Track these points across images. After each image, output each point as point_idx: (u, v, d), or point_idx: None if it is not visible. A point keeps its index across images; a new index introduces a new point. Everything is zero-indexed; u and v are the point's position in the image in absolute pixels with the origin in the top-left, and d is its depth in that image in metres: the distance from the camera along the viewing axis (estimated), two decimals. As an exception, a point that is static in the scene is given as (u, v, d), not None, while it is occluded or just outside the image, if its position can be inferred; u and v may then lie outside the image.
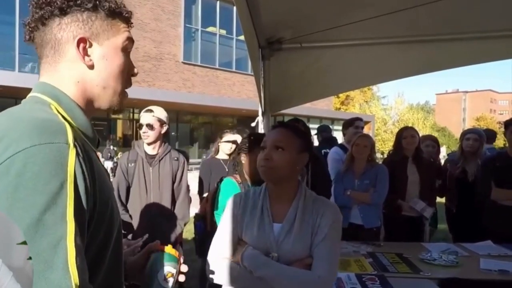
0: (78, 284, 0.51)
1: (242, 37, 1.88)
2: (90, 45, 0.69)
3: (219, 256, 1.18)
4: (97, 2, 0.69)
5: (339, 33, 2.14)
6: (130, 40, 0.74)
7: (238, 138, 2.84)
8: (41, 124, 0.57)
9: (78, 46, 0.67)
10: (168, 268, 0.82)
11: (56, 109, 0.65)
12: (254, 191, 1.25)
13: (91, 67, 0.69)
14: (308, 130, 2.36)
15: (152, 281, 0.80)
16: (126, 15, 0.73)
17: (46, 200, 0.52)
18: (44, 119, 0.59)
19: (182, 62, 15.70)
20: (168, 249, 0.84)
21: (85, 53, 0.68)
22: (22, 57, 12.16)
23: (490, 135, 4.16)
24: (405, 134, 2.83)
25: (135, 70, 0.76)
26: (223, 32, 17.24)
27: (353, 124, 3.43)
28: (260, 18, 1.95)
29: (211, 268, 1.16)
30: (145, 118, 2.21)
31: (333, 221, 1.15)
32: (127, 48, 0.73)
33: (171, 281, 0.81)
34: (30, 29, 0.68)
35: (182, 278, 0.86)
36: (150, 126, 2.19)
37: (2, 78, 10.51)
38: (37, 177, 0.52)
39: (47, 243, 0.51)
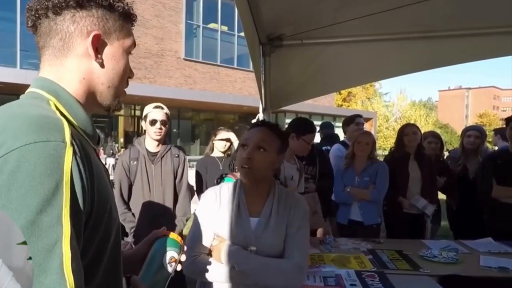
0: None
1: (243, 34, 1.86)
2: (102, 43, 0.68)
3: (199, 252, 1.18)
4: (112, 1, 0.68)
5: (340, 30, 2.13)
6: (134, 44, 0.75)
7: (232, 136, 2.85)
8: (37, 121, 0.55)
9: (92, 42, 0.66)
10: (172, 253, 0.83)
11: (55, 105, 0.63)
12: (228, 186, 1.26)
13: (101, 65, 0.68)
14: (314, 128, 2.37)
15: (155, 263, 0.81)
16: (133, 18, 0.74)
17: (40, 201, 0.50)
18: (41, 115, 0.57)
19: (184, 58, 15.67)
20: (173, 235, 0.85)
21: (97, 50, 0.67)
22: (24, 54, 12.17)
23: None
24: (406, 131, 2.82)
25: (132, 73, 0.77)
26: (225, 28, 17.18)
27: (354, 121, 3.42)
28: (261, 15, 1.94)
29: (192, 266, 1.16)
30: (158, 114, 2.18)
31: (304, 213, 1.22)
32: (130, 51, 0.74)
33: (173, 265, 0.82)
34: (37, 15, 0.64)
35: (179, 267, 0.86)
36: (164, 123, 2.18)
37: (3, 75, 10.52)
38: (31, 176, 0.50)
39: (42, 247, 0.49)
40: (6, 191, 0.49)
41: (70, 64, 0.66)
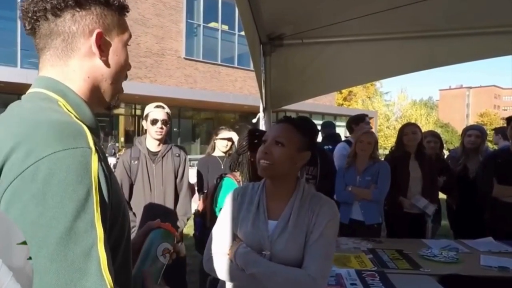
0: (112, 287, 0.52)
1: (244, 33, 1.86)
2: (105, 40, 0.68)
3: (217, 251, 1.18)
4: None
5: (340, 29, 2.13)
6: (130, 36, 0.75)
7: (234, 135, 2.85)
8: (61, 127, 0.56)
9: (96, 41, 0.66)
10: (165, 245, 0.84)
11: (64, 106, 0.64)
12: (253, 186, 1.23)
13: (106, 62, 0.68)
14: (316, 128, 2.36)
15: (148, 255, 0.82)
16: (127, 10, 0.73)
17: (76, 208, 0.51)
18: (62, 121, 0.58)
19: (184, 58, 15.66)
20: (166, 226, 0.87)
21: (101, 48, 0.67)
22: (24, 53, 12.16)
23: None
24: (406, 130, 2.82)
25: (130, 65, 0.77)
26: (225, 27, 17.16)
27: (364, 120, 3.43)
28: (261, 14, 1.94)
29: (209, 263, 1.16)
30: (159, 114, 2.18)
31: (329, 219, 1.12)
32: (127, 44, 0.74)
33: (167, 257, 0.83)
34: (34, 17, 0.64)
35: (173, 256, 0.88)
36: (165, 122, 2.19)
37: (4, 74, 10.52)
38: (65, 184, 0.52)
39: (80, 251, 0.50)
40: (42, 199, 0.51)
41: (74, 64, 0.66)
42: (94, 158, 0.56)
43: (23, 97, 0.67)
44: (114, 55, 0.70)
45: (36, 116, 0.58)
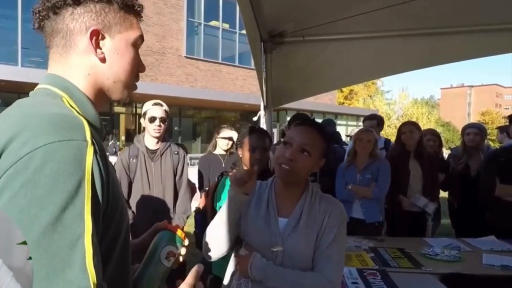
0: (95, 283, 0.51)
1: (245, 31, 1.85)
2: (103, 38, 0.67)
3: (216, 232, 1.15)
4: None
5: (342, 26, 2.11)
6: (141, 38, 0.74)
7: (234, 134, 2.85)
8: (59, 120, 0.56)
9: (91, 38, 0.66)
10: (171, 248, 0.81)
11: (68, 102, 0.64)
12: (261, 184, 1.21)
13: (103, 60, 0.68)
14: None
15: (152, 258, 0.80)
16: (138, 8, 0.73)
17: (64, 199, 0.51)
18: (62, 114, 0.58)
19: (185, 56, 15.65)
20: (173, 228, 0.84)
21: (97, 45, 0.67)
22: (25, 52, 12.16)
23: None
24: (403, 129, 2.82)
25: (143, 67, 0.76)
26: (226, 26, 17.13)
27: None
28: (262, 11, 1.93)
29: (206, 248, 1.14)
30: (157, 111, 2.17)
31: (341, 222, 1.13)
32: (137, 44, 0.73)
33: (171, 260, 0.80)
34: (40, 17, 0.66)
35: (179, 260, 0.85)
36: (163, 120, 2.18)
37: (5, 73, 10.52)
38: (56, 175, 0.52)
39: (65, 242, 0.50)
40: (32, 188, 0.51)
41: (73, 60, 0.67)
42: (89, 151, 0.55)
43: (30, 93, 0.68)
44: (114, 53, 0.69)
45: (36, 109, 0.59)
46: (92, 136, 0.58)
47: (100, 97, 0.71)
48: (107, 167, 0.60)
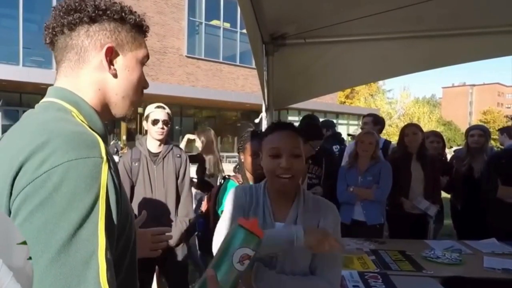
0: None
1: (245, 30, 1.85)
2: (116, 55, 0.71)
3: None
4: (124, 14, 0.71)
5: (343, 29, 2.11)
6: (147, 56, 0.78)
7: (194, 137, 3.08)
8: (76, 137, 0.58)
9: (106, 55, 0.69)
10: (246, 250, 0.70)
11: (77, 116, 0.66)
12: (255, 188, 1.21)
13: (115, 76, 0.71)
14: (322, 134, 2.36)
15: (225, 258, 0.70)
16: (145, 29, 0.77)
17: (80, 216, 0.53)
18: (78, 132, 0.60)
19: (186, 55, 15.65)
20: (250, 225, 0.71)
21: (111, 62, 0.70)
22: (26, 51, 12.17)
23: None
24: (406, 131, 2.82)
25: (147, 83, 0.79)
26: (227, 25, 17.12)
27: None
28: (264, 13, 1.93)
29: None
30: (160, 114, 2.18)
31: (336, 223, 1.15)
32: (144, 62, 0.77)
33: (246, 264, 0.70)
34: (54, 32, 0.69)
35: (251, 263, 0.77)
36: (166, 122, 2.19)
37: (6, 72, 10.55)
38: (73, 193, 0.53)
39: (80, 259, 0.52)
40: (49, 205, 0.52)
41: (85, 75, 0.69)
42: (105, 168, 0.58)
43: (37, 105, 0.69)
44: (125, 70, 0.72)
45: (52, 126, 0.61)
46: (106, 152, 0.60)
47: (106, 112, 0.73)
48: (119, 180, 0.62)
